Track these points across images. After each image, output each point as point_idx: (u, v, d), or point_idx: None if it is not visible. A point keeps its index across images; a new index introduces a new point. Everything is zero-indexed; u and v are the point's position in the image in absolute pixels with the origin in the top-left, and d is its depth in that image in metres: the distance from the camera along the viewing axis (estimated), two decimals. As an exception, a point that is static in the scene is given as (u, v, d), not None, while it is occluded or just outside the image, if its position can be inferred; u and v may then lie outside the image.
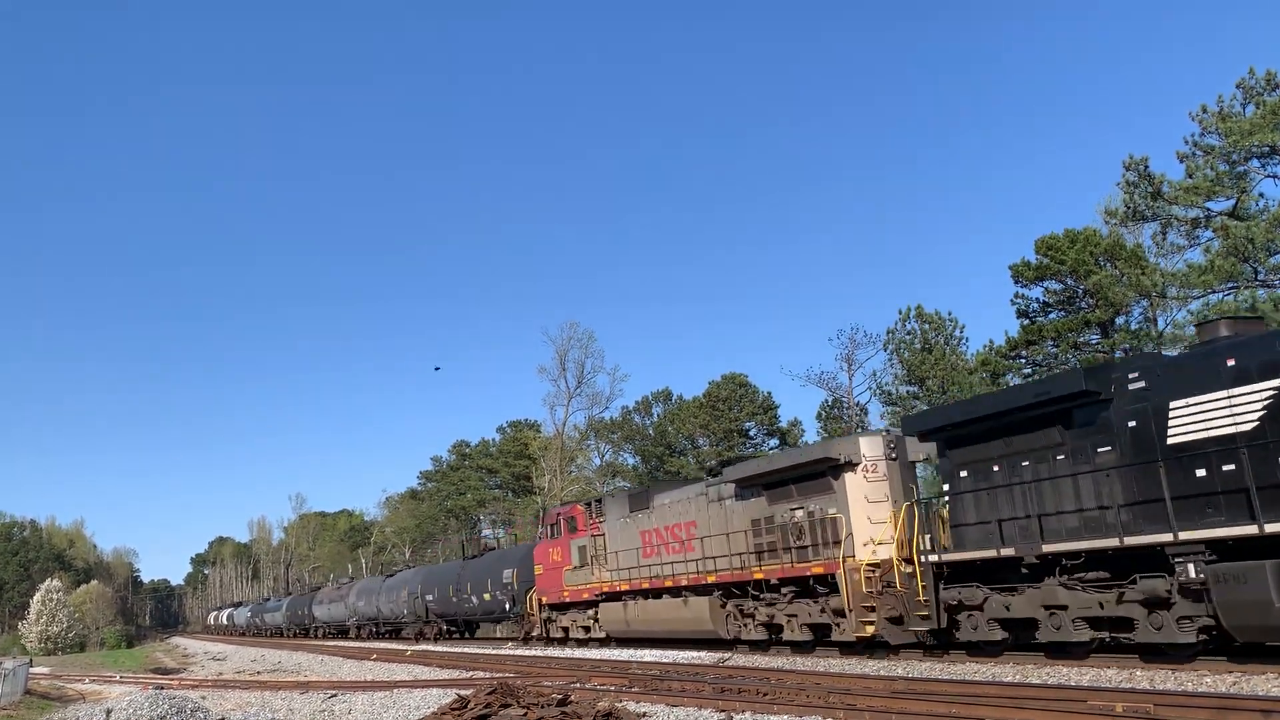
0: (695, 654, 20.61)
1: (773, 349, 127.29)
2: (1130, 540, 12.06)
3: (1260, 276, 28.07)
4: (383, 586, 47.08)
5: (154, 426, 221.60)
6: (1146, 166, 31.33)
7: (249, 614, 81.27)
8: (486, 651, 28.23)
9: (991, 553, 14.05)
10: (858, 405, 45.74)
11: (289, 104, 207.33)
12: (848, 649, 17.75)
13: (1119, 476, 12.71)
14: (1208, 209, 30.10)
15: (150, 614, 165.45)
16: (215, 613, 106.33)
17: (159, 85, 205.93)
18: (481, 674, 19.23)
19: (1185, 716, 8.42)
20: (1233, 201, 29.49)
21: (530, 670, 18.91)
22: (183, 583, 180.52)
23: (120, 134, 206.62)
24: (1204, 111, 29.69)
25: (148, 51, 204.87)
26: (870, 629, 16.44)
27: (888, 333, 41.45)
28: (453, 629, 40.45)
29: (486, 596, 33.80)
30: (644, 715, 11.32)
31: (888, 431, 18.68)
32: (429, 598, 39.93)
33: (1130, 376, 12.82)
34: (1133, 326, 32.27)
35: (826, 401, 47.29)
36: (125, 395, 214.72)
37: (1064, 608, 13.22)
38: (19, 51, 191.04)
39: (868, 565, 16.58)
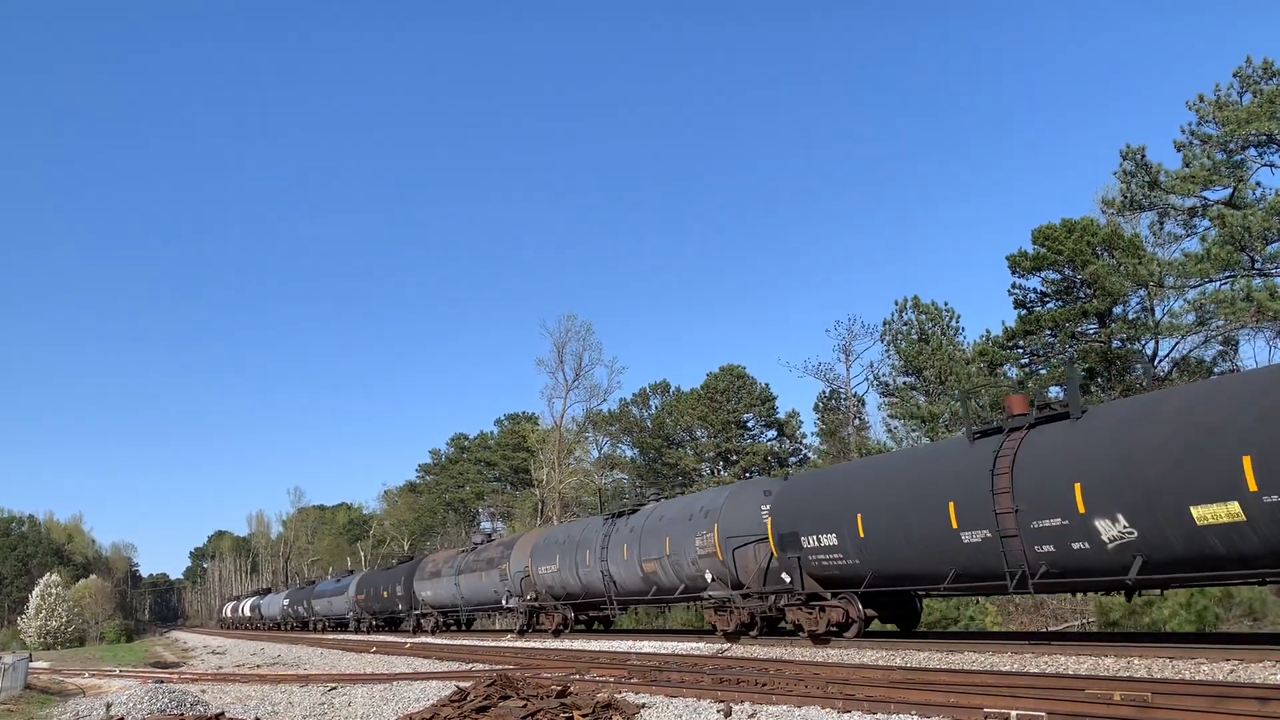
0: (695, 645, 20.64)
1: (770, 340, 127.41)
2: None
3: (1257, 265, 28.10)
4: (611, 533, 24.75)
5: (153, 420, 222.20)
6: (1143, 155, 31.34)
7: (285, 603, 64.29)
8: (486, 644, 28.22)
9: None
10: (855, 396, 45.86)
11: (288, 99, 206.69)
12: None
13: None
14: (1205, 198, 30.12)
15: (149, 608, 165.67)
16: (233, 603, 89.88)
17: (156, 78, 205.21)
18: (481, 666, 19.26)
19: (1183, 705, 8.43)
20: (1229, 190, 29.54)
21: (530, 662, 18.93)
22: (182, 577, 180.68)
23: (117, 122, 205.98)
24: (1201, 100, 29.70)
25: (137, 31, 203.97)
26: None
27: (885, 324, 41.47)
28: (840, 623, 17.09)
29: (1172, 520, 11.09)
30: (643, 706, 11.34)
31: None
32: (794, 555, 17.76)
33: None
34: (1130, 316, 32.30)
35: (824, 392, 47.52)
36: (124, 389, 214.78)
37: None
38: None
39: None
